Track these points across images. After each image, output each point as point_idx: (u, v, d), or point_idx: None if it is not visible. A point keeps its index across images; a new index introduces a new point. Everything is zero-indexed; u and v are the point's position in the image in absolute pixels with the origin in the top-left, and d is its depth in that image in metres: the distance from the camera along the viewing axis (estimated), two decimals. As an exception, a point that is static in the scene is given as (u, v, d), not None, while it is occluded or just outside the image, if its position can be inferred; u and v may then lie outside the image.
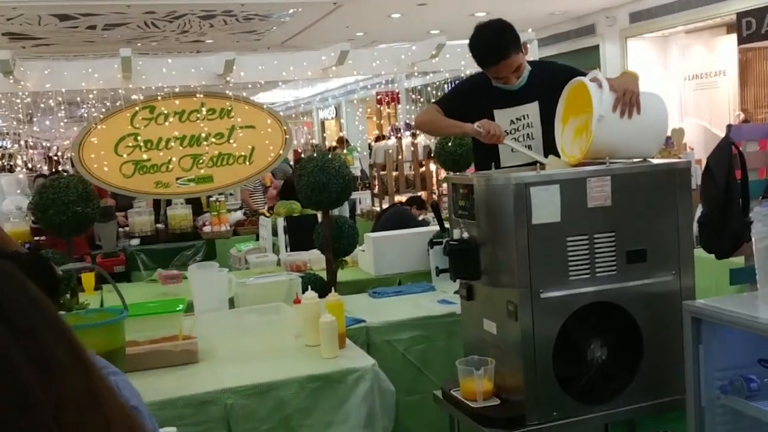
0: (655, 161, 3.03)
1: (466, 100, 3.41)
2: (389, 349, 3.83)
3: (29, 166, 13.36)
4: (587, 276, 2.70)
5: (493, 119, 3.26)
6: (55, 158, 14.28)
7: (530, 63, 3.39)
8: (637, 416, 3.12)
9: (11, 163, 13.33)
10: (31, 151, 17.42)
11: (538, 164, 2.84)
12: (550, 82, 3.20)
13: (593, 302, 2.71)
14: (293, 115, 21.38)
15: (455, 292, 4.13)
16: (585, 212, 2.69)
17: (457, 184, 2.90)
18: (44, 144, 19.99)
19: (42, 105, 8.33)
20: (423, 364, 3.85)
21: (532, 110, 3.33)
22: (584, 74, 3.14)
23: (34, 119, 13.88)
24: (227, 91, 5.02)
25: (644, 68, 9.64)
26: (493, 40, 3.23)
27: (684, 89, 11.23)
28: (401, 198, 8.20)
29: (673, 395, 2.78)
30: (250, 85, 5.36)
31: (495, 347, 2.82)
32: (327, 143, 18.14)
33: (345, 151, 12.28)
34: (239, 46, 11.85)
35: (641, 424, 3.39)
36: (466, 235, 2.79)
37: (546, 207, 2.64)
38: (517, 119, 3.34)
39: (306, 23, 10.42)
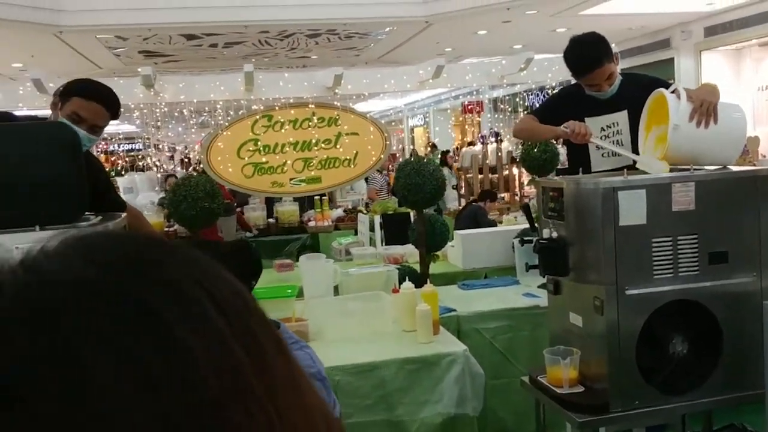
0: (736, 168, 2.91)
1: (559, 108, 3.38)
2: (478, 336, 3.81)
3: (157, 165, 13.92)
4: (670, 275, 2.61)
5: None
6: (186, 159, 14.84)
7: (621, 74, 3.32)
8: (715, 408, 3.01)
9: (143, 163, 13.95)
10: (159, 152, 18.18)
11: (625, 170, 2.77)
12: (639, 92, 3.12)
13: (676, 300, 2.62)
14: (386, 123, 21.53)
15: (539, 287, 4.09)
16: (669, 215, 2.61)
17: (546, 187, 2.86)
18: (170, 146, 20.83)
19: (166, 111, 8.66)
20: (508, 352, 3.81)
21: (621, 119, 3.26)
22: (669, 86, 3.05)
23: (161, 125, 14.51)
24: (335, 102, 5.11)
25: (718, 80, 9.14)
26: (589, 50, 3.19)
27: (757, 99, 10.69)
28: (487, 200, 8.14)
29: (751, 390, 2.66)
30: (354, 96, 5.42)
31: (580, 338, 2.77)
32: (416, 149, 18.16)
33: (432, 155, 12.26)
34: (340, 61, 11.98)
35: (718, 416, 3.27)
36: (555, 234, 2.75)
37: (633, 210, 2.57)
38: (607, 126, 3.28)
39: (400, 40, 10.44)
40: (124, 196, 9.77)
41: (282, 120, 4.98)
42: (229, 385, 0.40)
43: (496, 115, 13.45)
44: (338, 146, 5.09)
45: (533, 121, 3.38)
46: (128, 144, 19.50)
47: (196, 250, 0.47)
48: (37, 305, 0.38)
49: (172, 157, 19.59)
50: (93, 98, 2.47)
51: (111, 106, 2.53)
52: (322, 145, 5.06)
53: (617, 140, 3.29)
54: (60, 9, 7.84)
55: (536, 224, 3.05)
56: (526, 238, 2.85)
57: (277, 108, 4.99)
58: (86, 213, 2.15)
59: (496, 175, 8.39)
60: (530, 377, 3.00)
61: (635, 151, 3.09)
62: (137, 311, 0.39)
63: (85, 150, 2.44)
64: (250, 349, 0.42)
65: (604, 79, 3.21)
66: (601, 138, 3.26)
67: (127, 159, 13.99)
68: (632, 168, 2.98)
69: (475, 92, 14.13)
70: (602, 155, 3.21)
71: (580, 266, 2.68)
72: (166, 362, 0.38)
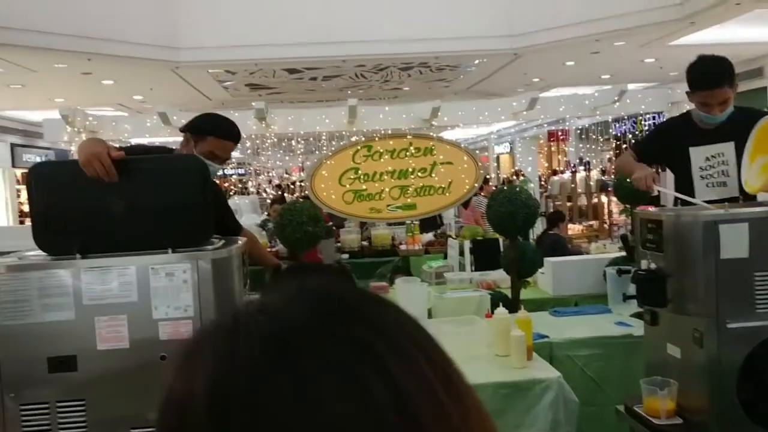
0: None
1: (662, 139, 3.30)
2: (570, 363, 3.73)
3: (258, 190, 14.37)
4: (775, 309, 2.48)
5: (687, 157, 3.14)
6: (285, 185, 15.29)
7: (735, 107, 3.19)
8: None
9: (245, 188, 14.43)
10: (259, 177, 18.77)
11: (726, 203, 2.67)
12: (749, 125, 2.99)
13: (780, 334, 2.49)
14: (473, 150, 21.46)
15: (631, 315, 3.96)
16: (774, 249, 2.48)
17: (645, 219, 2.78)
18: (268, 173, 21.48)
19: (275, 141, 8.96)
20: (600, 379, 3.70)
21: (728, 149, 3.13)
22: None
23: (262, 152, 15.00)
24: (431, 133, 5.16)
25: (815, 108, 8.71)
26: (714, 68, 3.08)
27: None
28: (575, 227, 7.97)
29: None
30: (450, 128, 5.46)
31: (678, 370, 2.66)
32: (501, 175, 18.00)
33: (519, 182, 12.11)
34: (431, 92, 12.09)
35: (823, 455, 3.05)
36: (653, 265, 2.67)
37: (734, 243, 2.46)
38: (712, 156, 3.16)
39: (489, 72, 10.44)
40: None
41: (381, 150, 5.06)
42: (432, 410, 0.46)
43: (582, 144, 13.18)
44: (433, 175, 5.13)
45: (629, 157, 3.32)
46: (239, 169, 20.28)
47: (395, 303, 0.54)
48: (273, 340, 0.46)
49: (270, 182, 20.19)
50: (228, 138, 2.60)
51: (238, 141, 2.66)
52: (418, 174, 5.11)
53: (722, 170, 3.17)
54: (177, 47, 8.31)
55: (633, 254, 2.97)
56: (623, 269, 2.77)
57: (376, 138, 5.08)
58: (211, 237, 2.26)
59: (585, 203, 8.20)
60: (626, 406, 2.90)
61: (740, 182, 2.97)
62: (358, 349, 0.46)
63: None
64: (445, 380, 0.49)
65: (719, 102, 3.08)
66: (705, 167, 3.16)
67: (239, 184, 14.57)
68: (737, 200, 2.87)
69: (561, 120, 13.91)
70: (707, 185, 3.10)
71: (679, 298, 2.59)
72: (386, 386, 0.45)
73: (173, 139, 5.30)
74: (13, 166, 13.77)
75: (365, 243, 7.57)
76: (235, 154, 17.60)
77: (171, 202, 2.10)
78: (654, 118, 10.00)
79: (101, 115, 6.61)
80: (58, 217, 2.05)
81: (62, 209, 2.06)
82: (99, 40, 7.37)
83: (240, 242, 2.34)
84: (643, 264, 2.72)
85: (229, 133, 2.65)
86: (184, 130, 2.68)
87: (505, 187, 4.47)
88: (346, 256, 7.18)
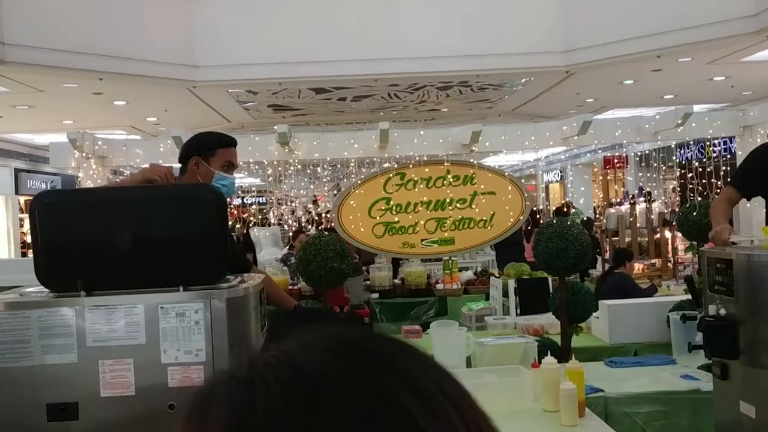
0: None
1: (764, 166, 3.31)
2: (628, 421, 3.66)
3: (280, 221, 14.48)
4: None
5: None
6: (310, 214, 15.42)
7: None
8: None
9: (265, 218, 14.55)
10: (282, 207, 18.92)
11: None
12: None
13: None
14: (520, 179, 21.37)
15: (699, 367, 3.88)
16: None
17: (713, 258, 2.75)
18: (291, 201, 21.67)
19: (299, 168, 9.08)
20: (664, 441, 3.62)
21: None
22: None
23: (285, 179, 15.14)
24: (471, 160, 5.17)
25: None
26: None
27: None
28: (636, 265, 7.85)
29: None
30: (492, 153, 5.48)
31: (754, 431, 2.59)
32: (550, 207, 17.89)
33: (571, 215, 12.01)
34: (472, 114, 12.14)
35: None
36: (723, 311, 2.62)
37: (817, 287, 2.42)
38: None
39: (537, 91, 10.46)
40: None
41: (415, 178, 5.10)
42: None
43: (642, 172, 13.04)
44: (474, 206, 5.13)
45: (725, 199, 3.37)
46: (258, 197, 20.55)
47: (423, 350, 0.56)
48: (292, 391, 0.48)
49: (293, 212, 20.36)
50: (233, 144, 2.78)
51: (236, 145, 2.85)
52: (457, 205, 5.12)
53: None
54: (194, 65, 8.51)
55: (700, 298, 2.93)
56: (688, 314, 2.72)
57: (410, 165, 5.12)
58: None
59: (646, 239, 8.10)
60: (694, 473, 2.83)
61: None
62: (383, 401, 0.48)
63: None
64: None
65: None
66: None
67: (258, 215, 14.76)
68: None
69: (618, 145, 13.81)
70: None
71: (753, 348, 2.54)
72: None
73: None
74: (17, 192, 14.11)
75: (397, 281, 7.56)
76: (255, 181, 17.84)
77: (183, 235, 2.14)
78: (725, 143, 9.88)
79: (112, 138, 6.77)
80: (61, 251, 2.10)
81: (66, 242, 2.11)
82: (111, 58, 7.59)
83: (257, 279, 2.37)
84: (712, 309, 2.68)
85: (231, 138, 2.85)
86: (188, 156, 2.78)
87: (555, 221, 4.45)
88: (375, 295, 7.18)
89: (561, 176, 19.53)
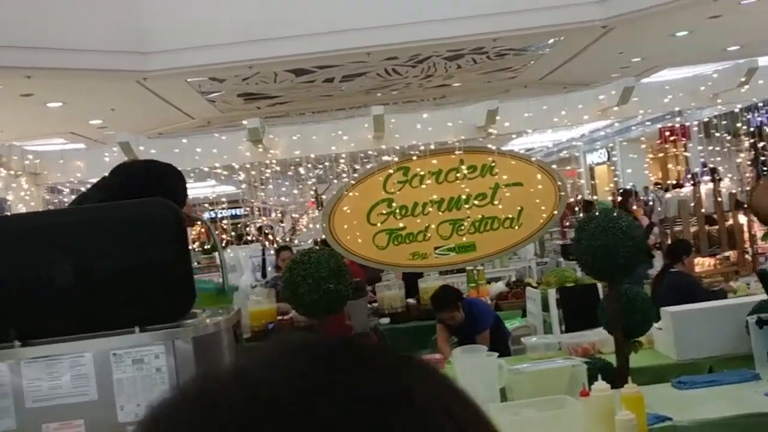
0: None
1: None
2: (704, 454, 3.67)
3: (264, 235, 14.49)
4: None
5: None
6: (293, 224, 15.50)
7: None
8: None
9: (240, 235, 14.56)
10: (263, 218, 18.95)
11: None
12: None
13: None
14: (553, 162, 21.35)
15: (791, 383, 3.89)
16: None
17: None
18: (276, 211, 21.69)
19: (278, 170, 9.12)
20: (751, 477, 3.63)
21: None
22: None
23: (265, 185, 15.19)
24: (489, 145, 5.20)
25: None
26: None
27: None
28: (705, 260, 7.83)
29: None
30: (514, 135, 5.51)
31: None
32: (597, 194, 17.88)
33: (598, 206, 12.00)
34: (490, 87, 12.16)
35: None
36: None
37: None
38: None
39: (569, 54, 10.47)
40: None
41: (422, 172, 5.11)
42: None
43: (710, 145, 13.02)
44: (496, 202, 5.14)
45: None
46: (231, 209, 20.51)
47: (425, 361, 0.57)
48: (245, 416, 0.48)
49: (281, 222, 20.38)
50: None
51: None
52: (475, 202, 5.13)
53: None
54: (144, 51, 8.54)
55: None
56: (764, 317, 2.74)
57: (414, 158, 5.14)
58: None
59: (716, 227, 8.07)
60: None
61: None
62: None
63: None
64: None
65: None
66: None
67: (232, 231, 14.77)
68: None
69: (676, 114, 13.78)
70: None
71: None
72: None
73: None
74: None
75: (412, 301, 7.57)
76: (226, 189, 17.89)
77: (136, 264, 2.16)
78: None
79: (46, 150, 6.80)
80: (-13, 293, 2.13)
81: (-7, 281, 2.13)
82: (39, 50, 7.64)
83: (230, 312, 2.39)
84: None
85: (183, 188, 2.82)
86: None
87: (597, 213, 4.46)
88: (385, 320, 7.19)
89: (608, 155, 19.52)
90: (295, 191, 15.93)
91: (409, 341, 6.86)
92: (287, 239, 15.44)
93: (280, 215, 20.61)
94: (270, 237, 12.09)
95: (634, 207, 12.61)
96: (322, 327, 4.81)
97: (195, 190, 20.64)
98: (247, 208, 17.88)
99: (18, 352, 2.07)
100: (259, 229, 11.50)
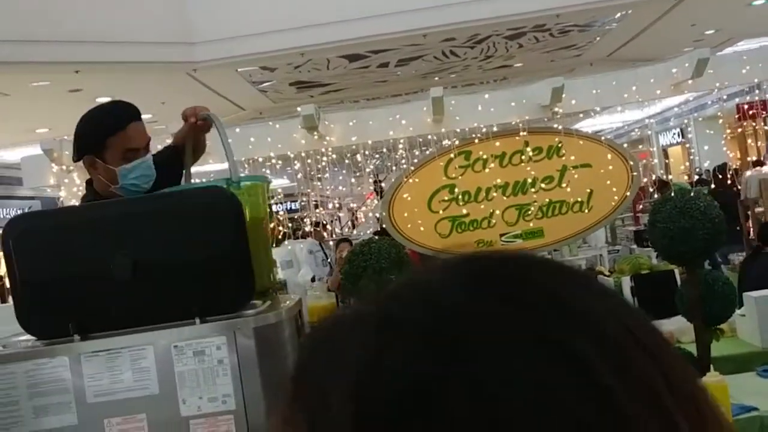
0: None
1: None
2: (795, 445, 3.62)
3: (318, 228, 14.56)
4: None
5: None
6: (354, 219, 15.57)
7: None
8: None
9: (297, 228, 14.61)
10: (320, 210, 19.03)
11: None
12: None
13: None
14: (625, 144, 21.05)
15: None
16: None
17: None
18: (335, 203, 21.78)
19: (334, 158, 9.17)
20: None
21: None
22: None
23: (323, 176, 15.24)
24: (555, 125, 5.16)
25: None
26: None
27: None
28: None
29: None
30: (581, 115, 5.46)
31: None
32: (671, 175, 17.60)
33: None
34: (555, 66, 12.06)
35: None
36: None
37: None
38: None
39: (638, 28, 10.33)
40: (282, 272, 10.35)
41: (484, 156, 5.10)
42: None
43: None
44: (564, 185, 5.11)
45: None
46: (288, 202, 20.61)
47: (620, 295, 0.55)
48: (431, 335, 0.48)
49: (339, 218, 20.48)
50: (124, 123, 2.73)
51: (139, 115, 2.82)
52: (542, 186, 5.10)
53: None
54: (191, 41, 8.65)
55: None
56: None
57: (476, 141, 5.12)
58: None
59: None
60: None
61: None
62: (559, 354, 0.47)
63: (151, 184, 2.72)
64: (693, 419, 0.49)
65: None
66: None
67: (289, 224, 14.83)
68: None
69: (755, 88, 13.50)
70: None
71: None
72: (595, 412, 0.46)
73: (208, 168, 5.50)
74: (-14, 225, 14.48)
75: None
76: (282, 182, 17.98)
77: (194, 254, 2.20)
78: None
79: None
80: (46, 288, 2.18)
81: (51, 276, 2.18)
82: (87, 44, 7.79)
83: (294, 302, 2.42)
84: None
85: (123, 113, 2.79)
86: (82, 155, 2.80)
87: (673, 194, 4.41)
88: (450, 313, 7.19)
89: (682, 135, 19.21)
90: (353, 181, 15.97)
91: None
92: (345, 231, 15.51)
93: (337, 207, 20.72)
94: (328, 229, 12.13)
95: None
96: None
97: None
98: (303, 201, 18.00)
99: (78, 346, 2.11)
100: (316, 222, 11.54)
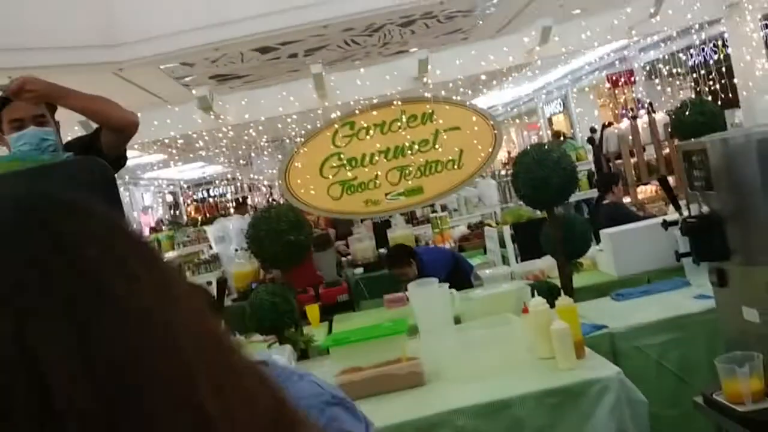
0: None
1: None
2: (640, 356, 3.70)
3: (255, 209, 14.51)
4: None
5: None
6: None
7: None
8: None
9: (224, 208, 14.59)
10: (255, 194, 18.93)
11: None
12: None
13: None
14: (516, 117, 21.33)
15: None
16: None
17: (688, 151, 2.76)
18: (265, 185, 21.69)
19: (251, 138, 9.07)
20: (683, 371, 3.67)
21: None
22: None
23: (251, 163, 15.13)
24: (426, 94, 5.17)
25: None
26: None
27: None
28: (647, 188, 7.87)
29: None
30: (461, 87, 5.48)
31: (760, 338, 2.63)
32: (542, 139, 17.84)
33: (566, 145, 11.99)
34: (446, 49, 12.08)
35: None
36: (705, 209, 2.64)
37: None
38: None
39: (514, 10, 10.38)
40: (216, 247, 10.22)
41: (366, 125, 5.09)
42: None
43: (654, 87, 13.01)
44: (437, 146, 5.14)
45: None
46: (227, 185, 20.54)
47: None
48: None
49: (270, 196, 20.38)
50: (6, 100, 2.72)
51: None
52: (418, 148, 5.13)
53: None
54: (115, 44, 8.44)
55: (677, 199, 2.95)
56: (669, 220, 2.75)
57: (357, 112, 5.11)
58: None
59: (654, 156, 8.09)
60: (704, 396, 2.88)
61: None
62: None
63: (53, 154, 2.68)
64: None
65: None
66: None
67: (220, 205, 14.78)
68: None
69: (620, 60, 13.76)
70: None
71: (744, 246, 2.56)
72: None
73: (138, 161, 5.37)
74: None
75: (383, 251, 7.58)
76: (218, 169, 17.83)
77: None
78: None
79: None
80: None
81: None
82: (15, 51, 7.54)
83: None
84: (694, 209, 2.70)
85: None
86: None
87: (529, 148, 4.46)
88: (360, 270, 7.21)
89: (564, 105, 19.49)
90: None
91: (381, 287, 6.88)
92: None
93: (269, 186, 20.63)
94: (249, 204, 12.07)
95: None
96: (293, 278, 4.81)
97: (187, 172, 20.71)
98: (237, 185, 17.89)
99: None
100: (243, 199, 11.48)
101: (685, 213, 2.84)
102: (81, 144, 2.85)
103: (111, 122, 2.75)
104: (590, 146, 13.01)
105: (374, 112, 5.07)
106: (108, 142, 2.83)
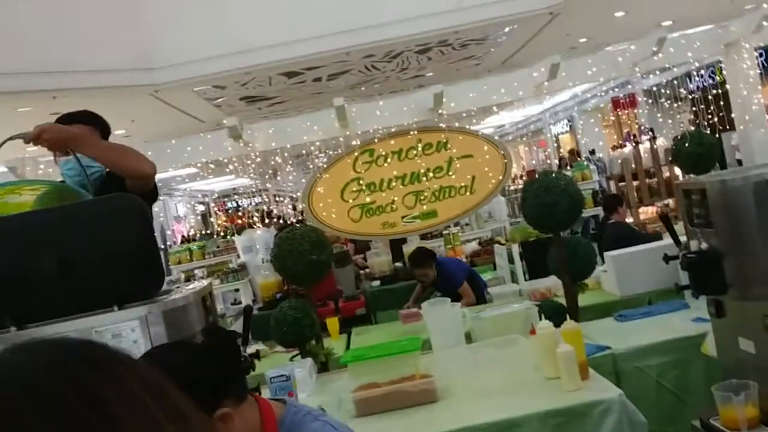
0: None
1: None
2: (641, 376, 3.68)
3: (283, 220, 14.51)
4: None
5: None
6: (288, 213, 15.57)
7: None
8: None
9: (251, 220, 14.60)
10: (281, 206, 18.93)
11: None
12: None
13: None
14: (524, 135, 21.27)
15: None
16: None
17: (688, 189, 2.74)
18: (292, 197, 21.74)
19: (276, 161, 9.12)
20: (681, 391, 3.64)
21: None
22: None
23: (278, 176, 15.16)
24: (441, 124, 5.17)
25: None
26: None
27: None
28: (648, 209, 7.82)
29: None
30: (473, 112, 5.48)
31: (756, 368, 2.60)
32: (554, 162, 17.77)
33: (574, 165, 11.94)
34: (460, 75, 12.07)
35: None
36: (704, 245, 2.62)
37: (796, 204, 2.40)
38: None
39: (524, 39, 10.37)
40: (243, 256, 10.26)
41: (384, 153, 5.11)
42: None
43: (655, 110, 12.94)
44: (451, 173, 5.14)
45: None
46: (253, 197, 20.58)
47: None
48: None
49: (294, 208, 20.42)
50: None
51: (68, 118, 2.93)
52: (433, 175, 5.14)
53: None
54: (152, 67, 8.51)
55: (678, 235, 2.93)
56: (670, 254, 2.73)
57: (377, 140, 5.12)
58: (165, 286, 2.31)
59: (655, 180, 8.05)
60: (701, 421, 2.84)
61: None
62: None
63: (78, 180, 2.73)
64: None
65: None
66: None
67: (245, 217, 14.81)
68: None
69: (624, 84, 13.72)
70: None
71: (740, 281, 2.53)
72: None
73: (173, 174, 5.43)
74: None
75: (400, 265, 7.58)
76: (245, 182, 17.91)
77: (109, 252, 2.16)
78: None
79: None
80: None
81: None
82: (61, 74, 7.62)
83: (200, 285, 2.39)
84: (693, 245, 2.67)
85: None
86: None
87: (537, 176, 4.45)
88: (377, 283, 7.20)
89: (570, 125, 19.42)
90: (303, 180, 15.93)
91: (397, 299, 6.87)
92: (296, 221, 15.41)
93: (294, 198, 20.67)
94: (282, 220, 12.07)
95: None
96: (314, 290, 4.81)
97: (218, 184, 20.84)
98: (265, 197, 17.93)
99: (15, 335, 2.08)
100: (269, 213, 11.48)
101: (686, 246, 2.81)
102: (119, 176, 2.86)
103: (127, 173, 2.74)
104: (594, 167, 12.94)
105: (392, 141, 5.08)
106: (129, 186, 2.85)
